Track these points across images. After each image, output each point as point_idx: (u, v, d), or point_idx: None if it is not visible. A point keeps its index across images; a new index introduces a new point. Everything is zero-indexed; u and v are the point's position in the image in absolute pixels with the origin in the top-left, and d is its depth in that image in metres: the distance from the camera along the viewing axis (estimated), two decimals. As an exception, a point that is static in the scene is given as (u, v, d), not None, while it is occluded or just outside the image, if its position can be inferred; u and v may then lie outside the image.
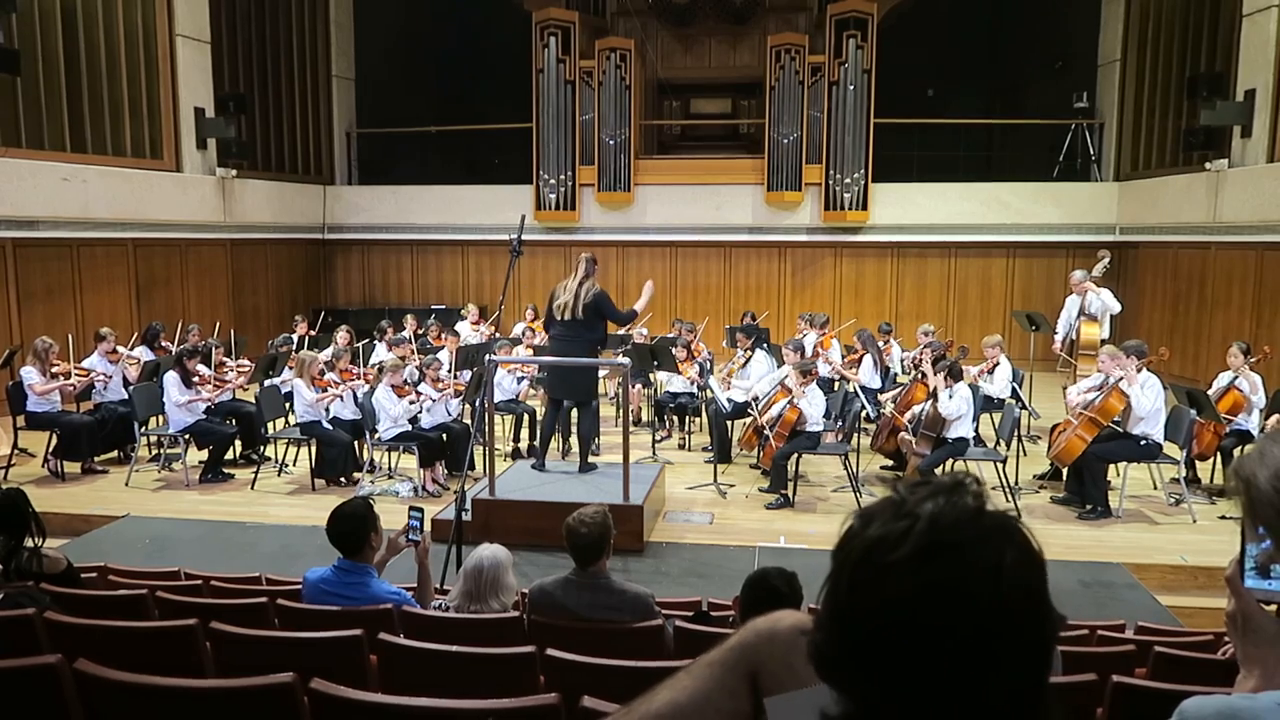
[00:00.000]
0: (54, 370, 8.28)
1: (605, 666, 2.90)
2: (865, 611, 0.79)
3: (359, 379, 8.65)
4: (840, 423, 8.27)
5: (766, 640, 0.98)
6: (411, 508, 3.98)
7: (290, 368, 8.55)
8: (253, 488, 8.00)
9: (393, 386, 7.89)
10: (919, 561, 0.77)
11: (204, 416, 8.27)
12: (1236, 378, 7.72)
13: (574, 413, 8.00)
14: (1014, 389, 8.76)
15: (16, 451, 8.47)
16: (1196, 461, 7.87)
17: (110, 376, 8.70)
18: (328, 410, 8.10)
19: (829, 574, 0.83)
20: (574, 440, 8.29)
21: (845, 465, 7.76)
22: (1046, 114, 15.18)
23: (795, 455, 7.54)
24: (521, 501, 6.70)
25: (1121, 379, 7.07)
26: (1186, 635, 4.14)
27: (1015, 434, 8.11)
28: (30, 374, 8.14)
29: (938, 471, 7.22)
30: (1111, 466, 7.36)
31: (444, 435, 8.06)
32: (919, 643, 0.76)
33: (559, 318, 7.27)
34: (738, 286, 14.99)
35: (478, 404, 7.37)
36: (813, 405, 7.52)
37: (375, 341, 10.84)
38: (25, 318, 10.39)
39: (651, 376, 9.90)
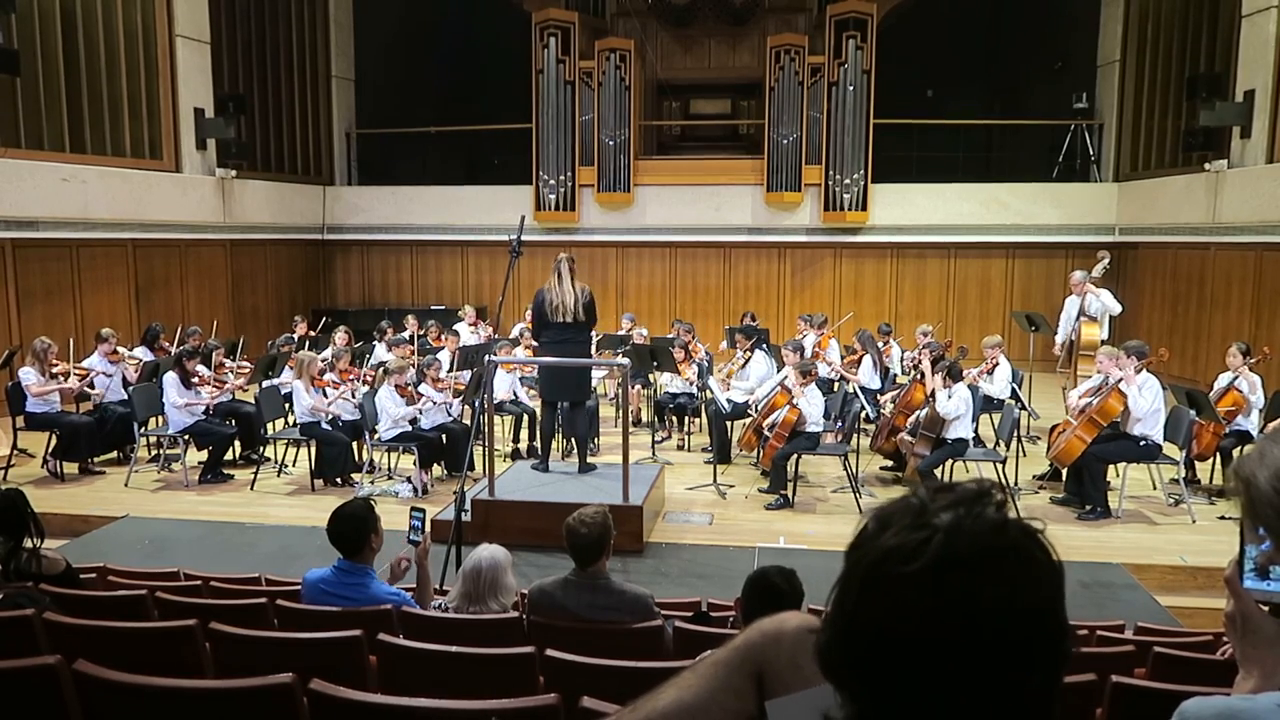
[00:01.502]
0: (53, 370, 8.28)
1: (605, 667, 2.90)
2: (873, 619, 0.78)
3: (358, 380, 8.65)
4: (840, 423, 8.28)
5: (773, 640, 0.98)
6: (413, 509, 3.98)
7: (290, 368, 8.55)
8: (252, 488, 8.00)
9: (396, 388, 7.89)
10: (932, 576, 0.76)
11: (203, 417, 8.27)
12: (1236, 378, 7.73)
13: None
14: (1013, 389, 8.76)
15: (16, 452, 8.46)
16: (1196, 462, 7.87)
17: (110, 376, 8.69)
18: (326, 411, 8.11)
19: (840, 574, 0.82)
20: (573, 441, 8.29)
21: (845, 466, 7.76)
22: (1046, 115, 15.19)
23: (795, 456, 7.54)
24: (521, 502, 6.70)
25: (1121, 380, 7.08)
26: (1186, 636, 4.14)
27: (1015, 434, 8.11)
28: (28, 375, 8.13)
29: (937, 473, 7.28)
30: (1111, 467, 7.36)
31: (443, 435, 8.06)
32: (924, 655, 0.76)
33: (557, 320, 7.22)
34: (737, 287, 14.99)
35: (477, 404, 7.37)
36: (812, 406, 7.52)
37: (375, 342, 10.84)
38: (25, 318, 10.38)
39: (651, 377, 9.90)
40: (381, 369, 8.75)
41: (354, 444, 8.24)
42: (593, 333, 7.85)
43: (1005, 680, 0.77)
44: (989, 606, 0.76)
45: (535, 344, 9.90)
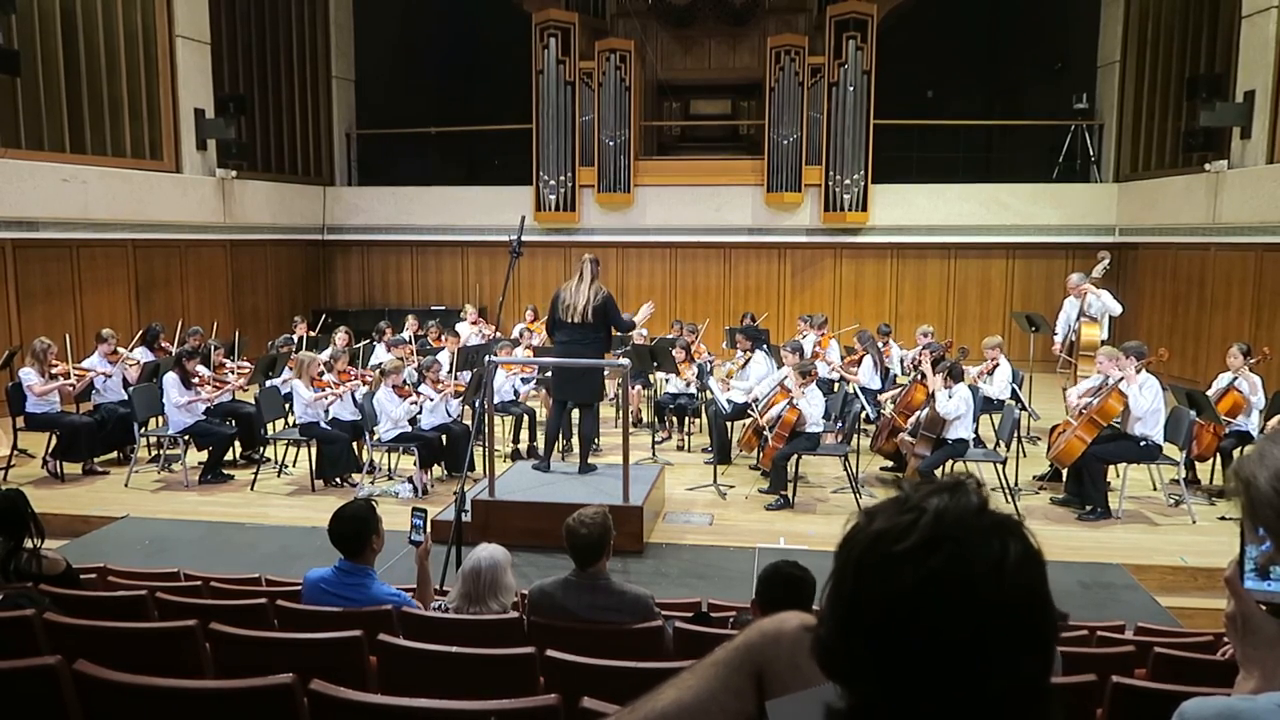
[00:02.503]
0: (53, 371, 8.28)
1: (605, 668, 2.90)
2: (869, 603, 0.79)
3: (358, 380, 8.65)
4: (840, 424, 8.27)
5: (772, 640, 0.98)
6: (415, 509, 3.98)
7: (290, 368, 8.55)
8: (252, 488, 8.00)
9: (394, 387, 7.89)
10: (924, 552, 0.78)
11: (203, 417, 8.27)
12: (1236, 379, 7.72)
13: (574, 413, 7.99)
14: (1014, 390, 8.76)
15: (16, 452, 8.46)
16: (1196, 462, 7.87)
17: (110, 376, 8.69)
18: (327, 411, 8.10)
19: (833, 569, 0.84)
20: (574, 441, 8.28)
21: (845, 466, 7.76)
22: (1046, 115, 15.19)
23: (795, 456, 7.54)
24: (521, 502, 6.69)
25: (1121, 380, 7.08)
26: (1186, 636, 4.14)
27: (1015, 435, 8.11)
28: (29, 375, 8.13)
29: (937, 473, 7.28)
30: (1111, 468, 7.36)
31: (443, 436, 8.06)
32: (922, 635, 0.77)
33: (567, 320, 7.19)
34: (737, 288, 14.99)
35: (478, 405, 7.36)
36: (812, 406, 7.52)
37: (375, 343, 10.84)
38: (25, 319, 10.38)
39: (651, 377, 9.89)
40: (379, 370, 8.75)
41: (354, 444, 8.24)
42: (606, 334, 7.64)
43: (1000, 658, 0.78)
44: (981, 580, 0.78)
45: (536, 343, 9.92)
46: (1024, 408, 8.58)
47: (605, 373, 9.60)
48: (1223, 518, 7.11)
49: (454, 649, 3.04)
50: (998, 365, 8.87)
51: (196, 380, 8.30)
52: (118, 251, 11.73)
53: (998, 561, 0.78)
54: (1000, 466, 7.57)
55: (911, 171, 14.87)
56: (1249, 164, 11.00)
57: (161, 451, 8.76)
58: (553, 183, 14.54)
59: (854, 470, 7.75)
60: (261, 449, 8.56)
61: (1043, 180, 14.48)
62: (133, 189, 11.79)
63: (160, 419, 8.42)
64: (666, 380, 9.64)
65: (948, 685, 0.77)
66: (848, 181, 13.97)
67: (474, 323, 11.63)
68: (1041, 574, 0.82)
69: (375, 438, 8.07)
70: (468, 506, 5.70)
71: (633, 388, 9.07)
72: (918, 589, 0.77)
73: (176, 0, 12.29)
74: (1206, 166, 11.47)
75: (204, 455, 8.27)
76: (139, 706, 2.51)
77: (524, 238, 6.08)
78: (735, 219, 14.66)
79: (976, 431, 7.85)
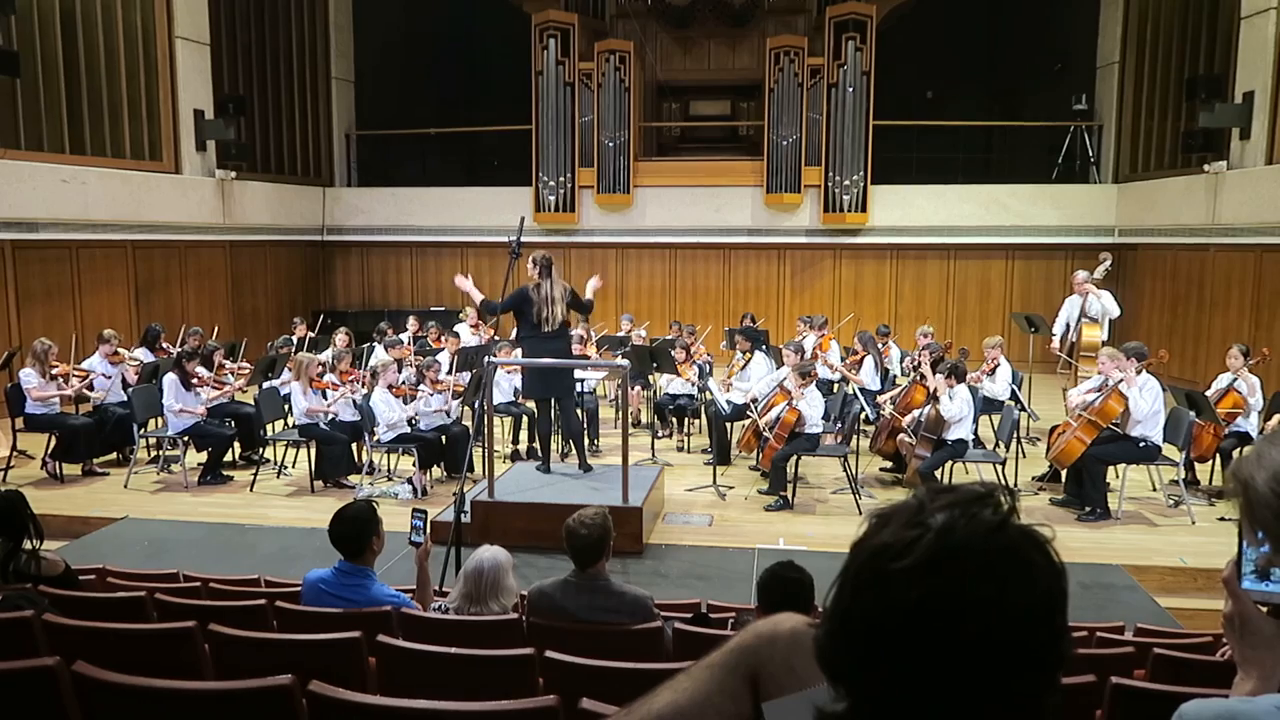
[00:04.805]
0: (54, 372, 8.27)
1: (604, 668, 2.90)
2: (864, 615, 0.79)
3: (357, 381, 8.64)
4: (839, 424, 8.27)
5: (767, 642, 0.98)
6: (415, 510, 3.99)
7: (289, 369, 8.54)
8: (251, 489, 7.99)
9: (389, 387, 7.88)
10: (919, 575, 0.76)
11: (203, 418, 8.26)
12: (1235, 379, 7.73)
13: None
14: (1013, 391, 8.76)
15: (15, 453, 8.46)
16: (1195, 463, 7.87)
17: (110, 378, 8.69)
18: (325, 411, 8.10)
19: (840, 570, 0.83)
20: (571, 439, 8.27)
21: (844, 467, 7.76)
22: (1045, 116, 15.19)
23: (794, 457, 7.53)
24: (520, 503, 6.69)
25: (1121, 381, 7.08)
26: (1185, 637, 4.14)
27: (1014, 436, 8.11)
28: (29, 376, 8.12)
29: (937, 474, 7.28)
30: (1110, 468, 7.36)
31: (443, 437, 8.05)
32: (913, 652, 0.76)
33: (547, 330, 7.13)
34: (737, 288, 15.00)
35: (477, 405, 7.35)
36: (811, 407, 7.51)
37: (375, 344, 10.84)
38: (25, 319, 10.38)
39: (651, 378, 9.89)
40: (371, 371, 8.74)
41: (354, 445, 8.23)
42: (586, 321, 7.74)
43: (994, 679, 0.77)
44: (975, 605, 0.76)
45: (489, 323, 9.76)
46: (1023, 408, 8.58)
47: (602, 374, 9.63)
48: (1222, 519, 7.12)
49: (453, 650, 3.04)
50: (998, 365, 8.87)
51: (196, 381, 8.30)
52: (117, 252, 11.73)
53: (997, 587, 0.76)
54: (999, 467, 7.57)
55: (911, 172, 14.87)
56: (1248, 165, 11.00)
57: (161, 452, 8.75)
58: (552, 184, 14.54)
59: (853, 471, 7.75)
60: (261, 450, 8.55)
61: (1042, 181, 14.48)
62: (132, 190, 11.79)
63: (160, 420, 8.42)
64: (669, 381, 9.63)
65: (936, 698, 0.77)
66: (847, 182, 13.97)
67: (473, 325, 11.62)
68: (1051, 599, 0.78)
69: (374, 439, 8.07)
70: (467, 507, 5.70)
71: (632, 389, 9.06)
72: (909, 611, 0.76)
73: (176, 1, 12.29)
74: (1206, 167, 11.47)
75: (203, 456, 8.26)
76: (138, 708, 2.51)
77: (523, 239, 6.08)
78: (735, 220, 14.66)
79: (976, 432, 7.85)
